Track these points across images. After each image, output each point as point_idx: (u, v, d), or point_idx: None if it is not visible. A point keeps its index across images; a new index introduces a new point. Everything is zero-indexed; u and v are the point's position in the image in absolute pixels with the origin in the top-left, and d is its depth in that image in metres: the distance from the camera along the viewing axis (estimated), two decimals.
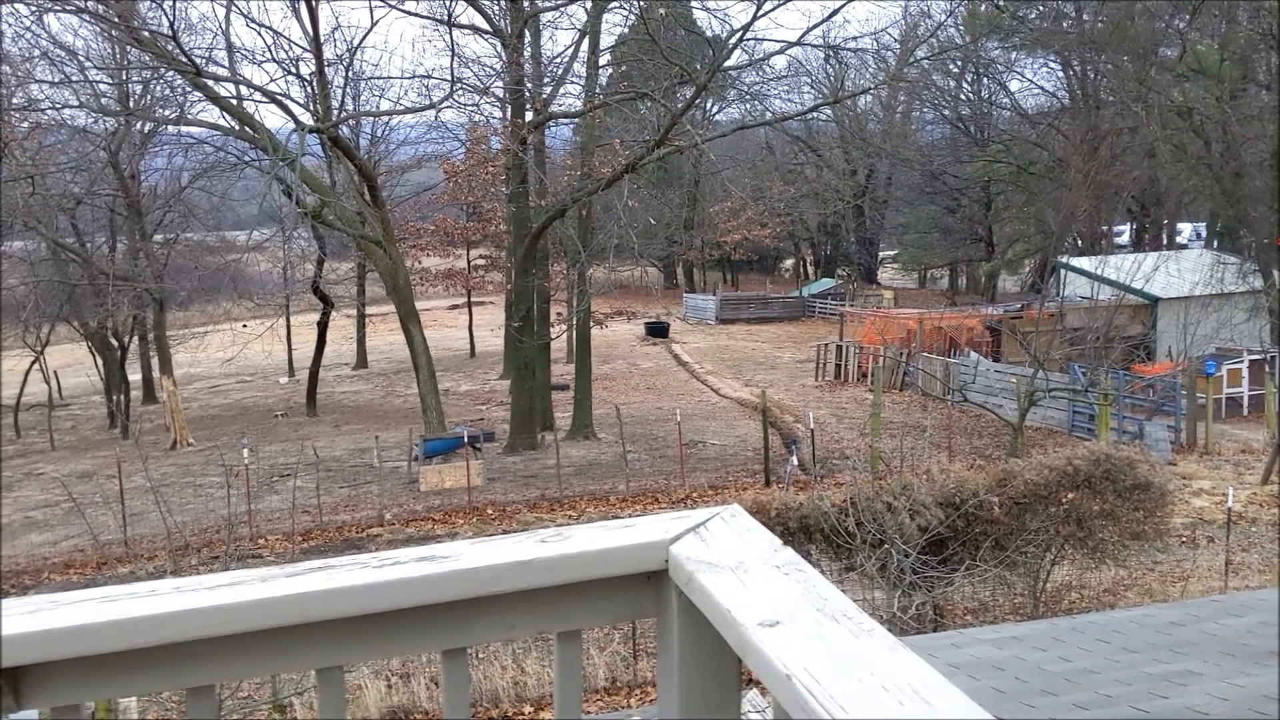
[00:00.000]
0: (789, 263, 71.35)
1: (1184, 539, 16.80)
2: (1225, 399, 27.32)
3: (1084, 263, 35.15)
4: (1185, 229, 53.23)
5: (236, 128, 24.81)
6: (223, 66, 23.54)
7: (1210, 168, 36.98)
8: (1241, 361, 28.18)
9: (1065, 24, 46.32)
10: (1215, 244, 43.35)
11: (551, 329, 29.79)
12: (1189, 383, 25.46)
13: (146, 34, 22.23)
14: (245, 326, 38.38)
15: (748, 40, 25.76)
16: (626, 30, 33.25)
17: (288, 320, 41.28)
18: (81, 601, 1.27)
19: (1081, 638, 5.37)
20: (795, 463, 22.50)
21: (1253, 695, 4.23)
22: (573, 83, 29.54)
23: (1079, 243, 43.60)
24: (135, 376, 37.68)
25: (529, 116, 26.54)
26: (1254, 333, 31.33)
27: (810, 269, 67.31)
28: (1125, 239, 51.25)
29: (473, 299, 45.18)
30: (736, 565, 1.33)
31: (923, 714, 0.99)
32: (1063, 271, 35.12)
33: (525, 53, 26.73)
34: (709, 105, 47.22)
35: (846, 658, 1.10)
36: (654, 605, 1.42)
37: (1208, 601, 6.87)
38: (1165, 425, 24.61)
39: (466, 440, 23.51)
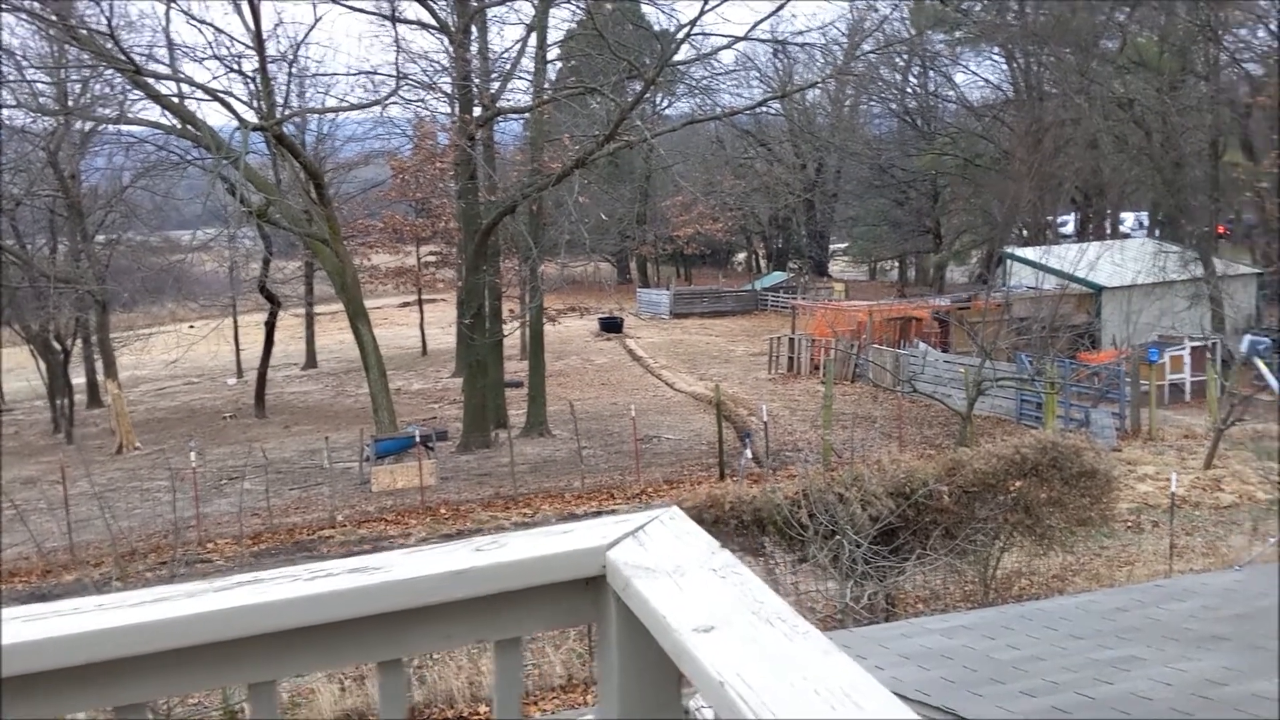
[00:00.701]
0: (741, 256, 71.61)
1: (1129, 524, 17.09)
2: (1168, 385, 27.81)
3: (1029, 253, 35.65)
4: (1128, 218, 54.06)
5: (179, 126, 24.44)
6: (163, 64, 23.21)
7: (1151, 158, 37.65)
8: (1183, 348, 28.69)
9: (1008, 17, 46.89)
10: (1157, 233, 44.13)
11: (504, 326, 29.67)
12: (1133, 370, 25.90)
13: (84, 32, 21.84)
14: (191, 328, 37.86)
15: (695, 35, 25.84)
16: (575, 25, 33.16)
17: (235, 320, 40.72)
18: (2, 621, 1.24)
19: (1029, 625, 5.44)
20: (749, 456, 22.61)
21: (1195, 680, 4.30)
22: (521, 78, 29.42)
23: (1024, 233, 44.19)
24: (79, 380, 37.01)
25: (477, 112, 26.39)
26: (1195, 320, 31.94)
27: (762, 262, 67.59)
28: (1070, 229, 51.98)
29: (424, 296, 44.87)
30: (673, 569, 1.32)
31: (853, 716, 0.99)
32: (1009, 262, 35.57)
33: (472, 48, 26.57)
34: (659, 100, 47.27)
35: (780, 662, 1.09)
36: (593, 611, 1.41)
37: (1151, 586, 6.99)
38: (1110, 412, 25.02)
39: (419, 439, 23.35)
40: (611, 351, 42.33)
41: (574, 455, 23.34)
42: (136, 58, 21.42)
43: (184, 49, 45.87)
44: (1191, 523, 17.25)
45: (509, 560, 1.35)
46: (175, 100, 23.33)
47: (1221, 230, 42.82)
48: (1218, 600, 5.55)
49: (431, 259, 42.18)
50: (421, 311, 45.32)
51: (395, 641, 1.35)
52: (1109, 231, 49.29)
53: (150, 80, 22.19)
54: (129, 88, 25.35)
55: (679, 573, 1.31)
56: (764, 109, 43.98)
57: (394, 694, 1.39)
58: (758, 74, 52.61)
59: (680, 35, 25.71)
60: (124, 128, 29.41)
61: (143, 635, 1.23)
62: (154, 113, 26.86)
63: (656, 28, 36.64)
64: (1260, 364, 28.00)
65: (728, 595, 1.25)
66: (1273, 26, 38.03)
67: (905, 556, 11.63)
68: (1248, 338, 30.63)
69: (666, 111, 49.38)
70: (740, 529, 11.75)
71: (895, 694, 1.02)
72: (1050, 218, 46.82)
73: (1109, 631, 5.19)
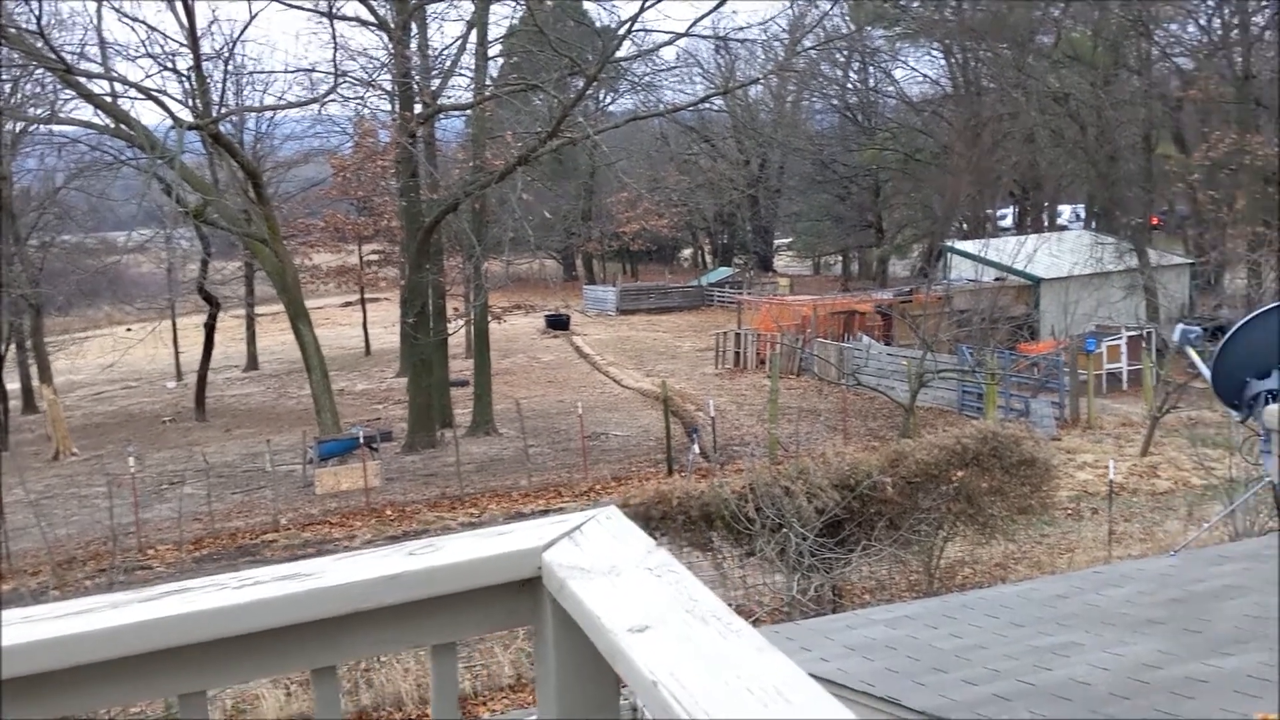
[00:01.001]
0: (687, 252, 71.75)
1: (1069, 512, 17.39)
2: (1106, 375, 28.31)
3: (969, 246, 36.10)
4: (1065, 211, 55.03)
5: (112, 125, 23.98)
6: (95, 63, 22.79)
7: (1086, 151, 38.32)
8: (1120, 338, 29.22)
9: (946, 13, 47.45)
10: (1093, 225, 44.92)
11: (448, 324, 29.47)
12: (1071, 360, 26.35)
13: (13, 30, 21.34)
14: (129, 330, 37.19)
15: (637, 31, 25.86)
16: (515, 22, 33.01)
17: (173, 323, 40.04)
18: None
19: (971, 614, 5.52)
20: (697, 451, 22.67)
21: (1132, 664, 4.39)
22: (462, 75, 29.24)
23: (964, 226, 44.76)
24: (13, 385, 36.19)
25: (418, 109, 26.19)
26: (1131, 310, 32.53)
27: (708, 258, 67.79)
28: (1008, 222, 52.76)
29: (366, 295, 44.41)
30: (609, 570, 1.31)
31: (785, 714, 0.99)
32: (949, 255, 36.00)
33: (412, 45, 26.35)
34: (602, 96, 47.19)
35: (714, 660, 1.09)
36: (530, 613, 1.40)
37: (1091, 573, 7.12)
38: (1050, 402, 25.44)
39: (363, 440, 23.13)
40: (558, 349, 42.23)
41: (521, 454, 23.26)
42: (68, 56, 21.03)
43: (116, 47, 45.12)
44: (1129, 509, 17.59)
45: (443, 564, 1.34)
46: (108, 99, 22.87)
47: (1155, 221, 43.71)
48: (1154, 585, 5.66)
49: (374, 258, 41.78)
50: (364, 311, 44.84)
51: (328, 648, 1.33)
52: (1046, 224, 50.13)
53: (82, 79, 21.75)
54: (60, 87, 24.81)
55: (614, 573, 1.30)
56: (707, 105, 44.23)
57: (329, 700, 1.37)
58: (700, 70, 52.86)
59: (622, 31, 25.75)
60: (56, 128, 28.80)
61: (66, 648, 1.20)
62: (86, 112, 26.32)
63: (598, 24, 36.55)
64: (1192, 353, 28.58)
65: (663, 594, 1.25)
66: (1202, 21, 38.93)
67: (851, 548, 11.73)
68: (1180, 327, 31.16)
69: (610, 108, 49.31)
70: (688, 524, 11.79)
71: (840, 685, 1.03)
72: (989, 211, 47.49)
73: (1049, 619, 5.27)
